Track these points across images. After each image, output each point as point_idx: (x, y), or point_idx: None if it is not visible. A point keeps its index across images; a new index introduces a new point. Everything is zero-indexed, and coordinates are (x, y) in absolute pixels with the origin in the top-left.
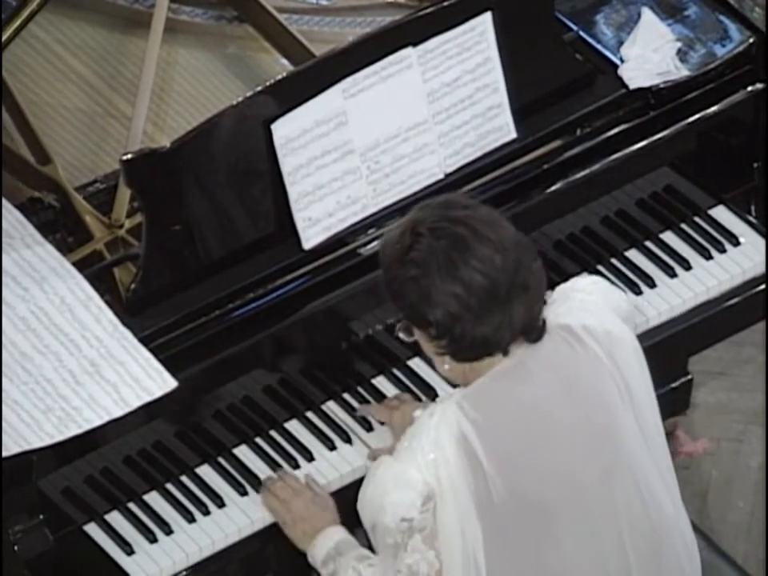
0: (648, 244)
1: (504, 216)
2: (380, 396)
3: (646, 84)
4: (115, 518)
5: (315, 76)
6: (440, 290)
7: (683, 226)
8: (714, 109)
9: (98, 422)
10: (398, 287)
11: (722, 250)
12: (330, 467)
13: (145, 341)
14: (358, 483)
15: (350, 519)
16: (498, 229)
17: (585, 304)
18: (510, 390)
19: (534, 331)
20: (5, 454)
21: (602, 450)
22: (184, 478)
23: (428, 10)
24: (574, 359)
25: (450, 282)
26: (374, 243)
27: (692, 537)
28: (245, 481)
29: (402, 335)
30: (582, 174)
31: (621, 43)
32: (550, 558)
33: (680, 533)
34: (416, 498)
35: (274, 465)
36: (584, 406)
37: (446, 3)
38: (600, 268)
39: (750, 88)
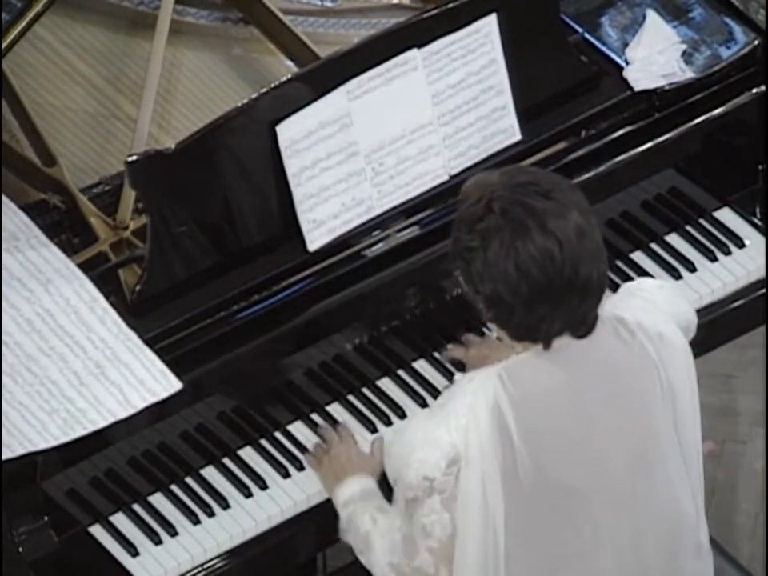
0: (653, 246)
1: (587, 206)
2: (385, 398)
3: (650, 86)
4: (120, 520)
5: (320, 78)
6: (494, 268)
7: (688, 228)
8: (719, 111)
9: (102, 424)
10: (458, 249)
11: (727, 252)
12: None
13: (149, 342)
14: None
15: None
16: (567, 224)
17: (644, 304)
18: (551, 372)
19: (582, 328)
20: (10, 455)
21: (632, 443)
22: (189, 480)
23: (433, 12)
24: (620, 350)
25: (504, 265)
26: (379, 245)
27: (708, 548)
28: (250, 482)
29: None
30: (587, 176)
31: (626, 45)
32: (569, 541)
33: (698, 539)
34: (441, 459)
35: (278, 466)
36: (621, 397)
37: (450, 5)
38: None
39: (755, 90)
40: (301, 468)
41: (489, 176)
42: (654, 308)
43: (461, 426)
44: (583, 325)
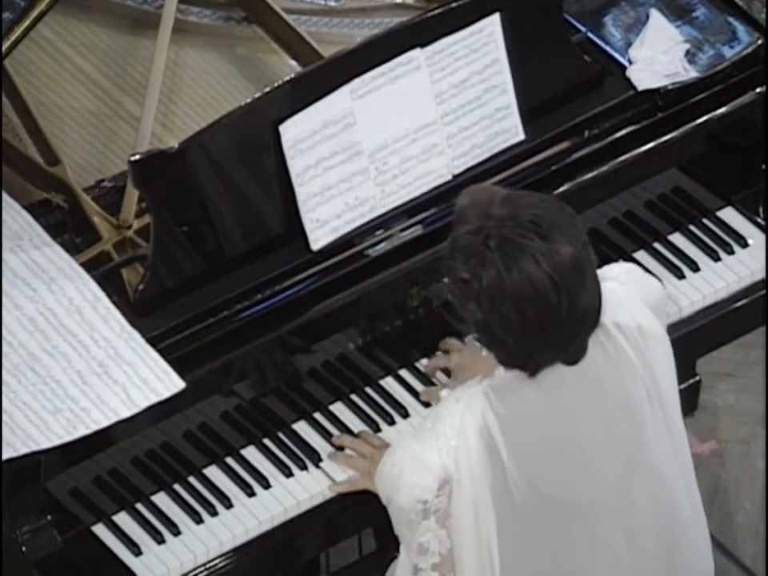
0: (656, 245)
1: (586, 239)
2: (388, 397)
3: (654, 85)
4: (123, 519)
5: (323, 77)
6: (487, 303)
7: (691, 227)
8: (722, 110)
9: (106, 423)
10: (451, 276)
11: (730, 252)
12: (337, 469)
13: (153, 341)
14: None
15: (361, 520)
16: (564, 261)
17: (617, 296)
18: (537, 388)
19: (572, 357)
20: (13, 454)
21: (624, 454)
22: (192, 479)
23: (436, 12)
24: (604, 362)
25: (497, 301)
26: (382, 244)
27: (708, 543)
28: (253, 481)
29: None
30: (590, 175)
31: (629, 45)
32: (564, 555)
33: (696, 538)
34: (433, 482)
35: (281, 466)
36: (610, 410)
37: (454, 4)
38: None
39: (758, 89)
40: (303, 467)
41: (488, 201)
42: (627, 298)
43: (451, 447)
44: (574, 355)
